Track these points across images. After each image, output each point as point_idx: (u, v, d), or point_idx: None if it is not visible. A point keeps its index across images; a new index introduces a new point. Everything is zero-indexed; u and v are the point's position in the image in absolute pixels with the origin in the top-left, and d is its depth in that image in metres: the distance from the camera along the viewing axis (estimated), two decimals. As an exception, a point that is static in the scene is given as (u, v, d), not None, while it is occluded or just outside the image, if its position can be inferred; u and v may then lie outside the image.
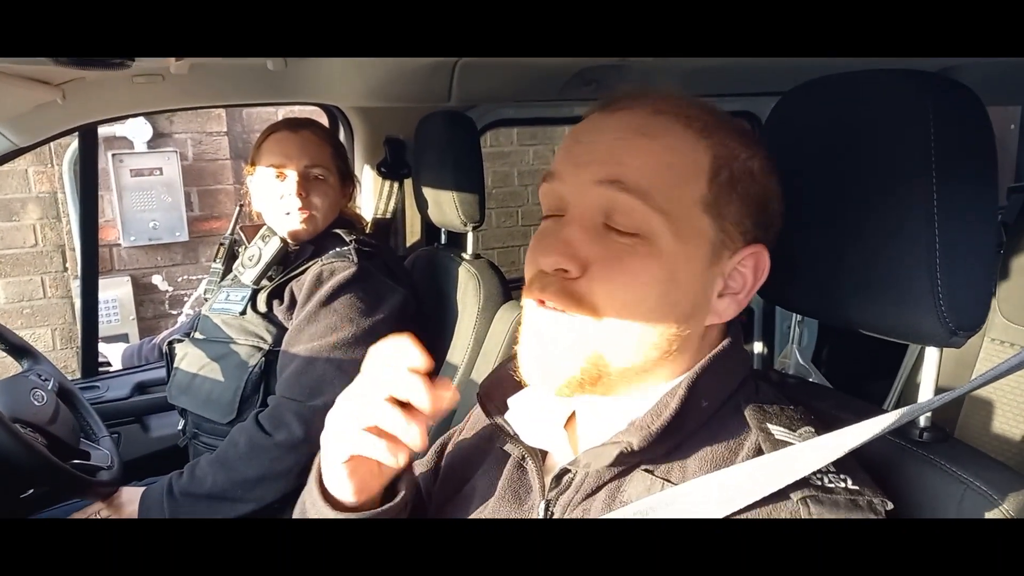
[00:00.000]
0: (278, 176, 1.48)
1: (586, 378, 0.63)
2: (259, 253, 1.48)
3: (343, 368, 1.36)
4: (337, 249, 1.47)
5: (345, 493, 0.67)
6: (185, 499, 1.32)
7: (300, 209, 1.46)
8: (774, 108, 0.76)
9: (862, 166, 0.65)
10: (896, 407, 1.45)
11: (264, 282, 1.48)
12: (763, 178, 0.65)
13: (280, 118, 3.09)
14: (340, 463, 0.65)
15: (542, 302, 0.64)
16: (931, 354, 0.67)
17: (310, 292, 1.42)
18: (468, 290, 1.50)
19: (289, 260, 1.49)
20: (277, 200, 1.48)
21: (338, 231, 1.51)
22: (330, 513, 0.67)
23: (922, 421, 0.66)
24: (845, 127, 0.67)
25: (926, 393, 0.66)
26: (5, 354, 1.46)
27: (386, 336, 1.53)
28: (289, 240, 1.49)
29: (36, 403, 1.28)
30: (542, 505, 0.66)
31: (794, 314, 0.82)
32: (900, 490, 0.62)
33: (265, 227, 1.53)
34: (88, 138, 1.76)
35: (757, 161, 0.64)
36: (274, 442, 1.31)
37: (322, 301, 1.39)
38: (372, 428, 0.62)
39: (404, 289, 1.51)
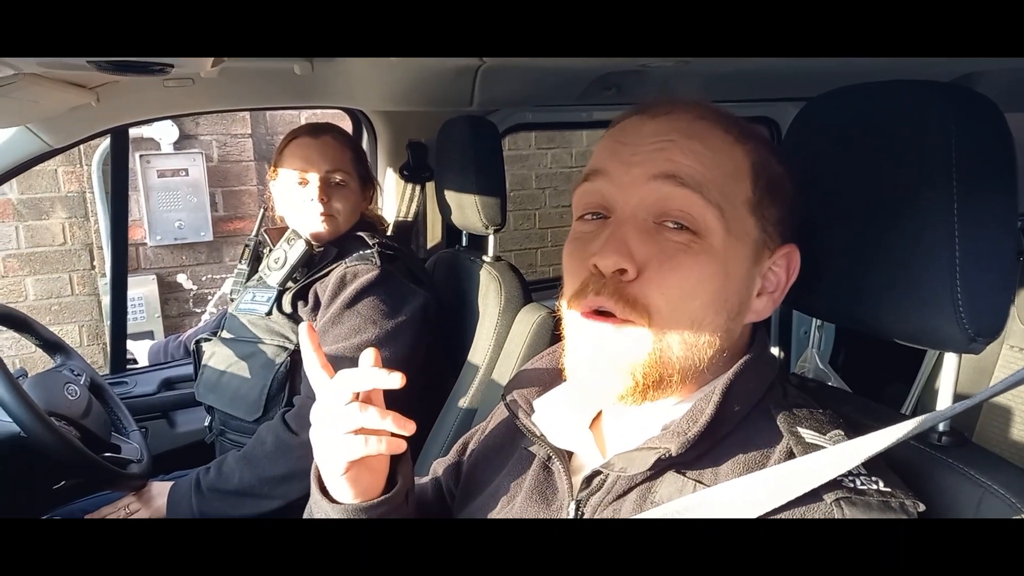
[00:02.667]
0: (300, 181, 1.51)
1: (650, 383, 0.63)
2: (284, 256, 1.51)
3: None
4: (360, 252, 1.49)
5: (347, 497, 0.72)
6: (212, 494, 1.35)
7: (322, 213, 1.49)
8: (797, 116, 0.77)
9: (883, 174, 0.66)
10: (914, 412, 1.45)
11: (289, 283, 1.51)
12: (789, 183, 0.67)
13: (303, 121, 3.14)
14: (340, 475, 0.69)
15: (591, 313, 0.63)
16: (950, 360, 0.67)
17: (334, 294, 1.44)
18: (489, 292, 1.52)
19: (313, 262, 1.52)
20: (299, 204, 1.51)
21: (361, 233, 1.53)
22: (333, 511, 0.72)
23: (941, 426, 0.67)
24: (867, 136, 0.68)
25: (945, 399, 0.67)
26: (39, 349, 1.50)
27: (408, 337, 1.53)
28: (312, 242, 1.52)
29: (70, 397, 1.32)
30: (572, 506, 0.67)
31: (813, 319, 0.83)
32: (919, 493, 0.63)
33: (290, 230, 1.56)
34: (120, 139, 1.79)
35: (783, 167, 0.67)
36: (300, 441, 1.34)
37: (346, 303, 1.42)
38: (356, 430, 0.66)
39: (425, 291, 1.53)
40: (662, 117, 0.65)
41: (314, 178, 1.50)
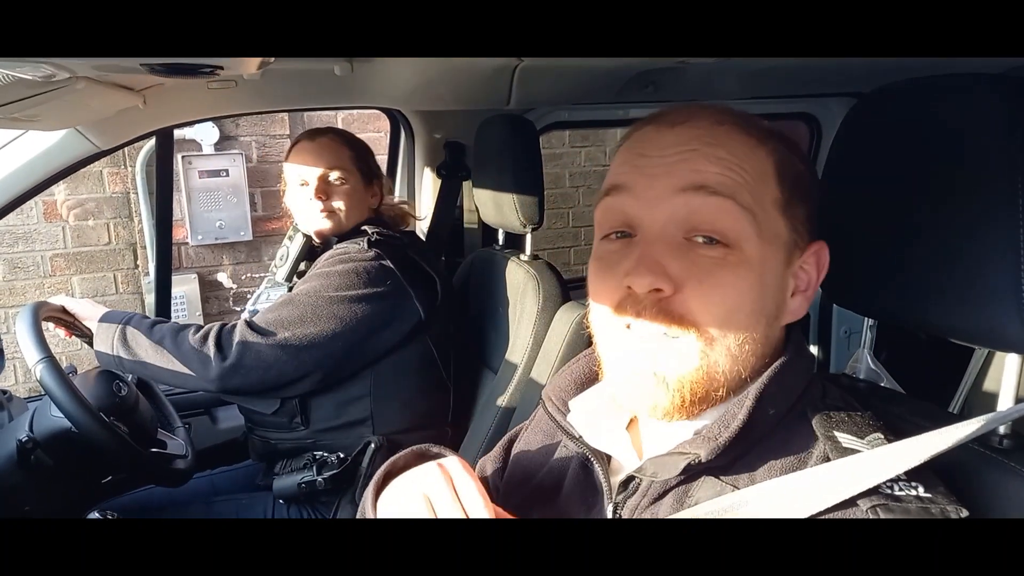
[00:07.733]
0: (302, 183, 1.57)
1: (696, 398, 0.62)
2: (287, 251, 1.60)
3: (305, 317, 1.41)
4: (356, 239, 1.54)
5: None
6: (133, 335, 1.40)
7: (321, 210, 1.55)
8: (850, 112, 0.76)
9: (942, 170, 0.65)
10: (961, 413, 1.40)
11: (295, 278, 1.59)
12: (811, 179, 0.68)
13: (339, 121, 3.16)
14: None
15: (629, 326, 0.63)
16: (1012, 361, 0.65)
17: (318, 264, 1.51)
18: (527, 291, 1.52)
19: (316, 254, 1.59)
20: (303, 204, 1.58)
21: (365, 227, 1.56)
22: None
23: (1002, 428, 0.65)
24: (924, 132, 0.67)
25: (1006, 400, 0.65)
26: (86, 346, 1.54)
27: (362, 317, 1.51)
28: (315, 238, 1.59)
29: (118, 394, 1.35)
30: (609, 508, 0.67)
31: (865, 318, 0.81)
32: (979, 498, 0.61)
33: (291, 227, 1.64)
34: (164, 141, 1.83)
35: (804, 165, 0.67)
36: (210, 355, 1.37)
37: (321, 266, 1.49)
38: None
39: (423, 293, 1.53)
40: (680, 126, 0.64)
41: (312, 178, 1.55)
